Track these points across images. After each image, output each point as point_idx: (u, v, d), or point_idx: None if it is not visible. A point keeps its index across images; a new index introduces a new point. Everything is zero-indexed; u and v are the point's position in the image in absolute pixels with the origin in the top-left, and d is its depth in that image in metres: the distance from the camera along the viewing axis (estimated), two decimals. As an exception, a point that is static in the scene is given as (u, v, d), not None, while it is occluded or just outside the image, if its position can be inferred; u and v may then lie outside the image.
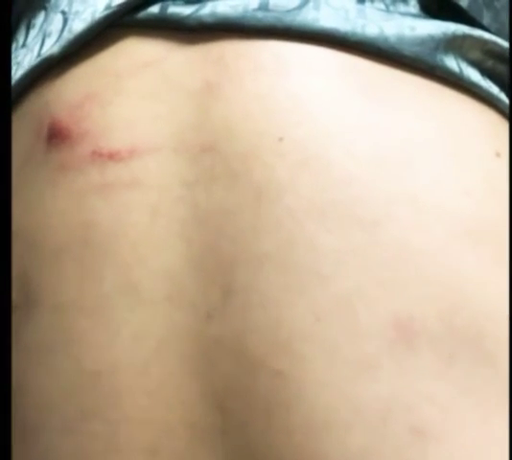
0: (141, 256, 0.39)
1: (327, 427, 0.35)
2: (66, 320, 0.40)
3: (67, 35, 0.44)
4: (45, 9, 0.48)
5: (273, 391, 0.36)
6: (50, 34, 0.46)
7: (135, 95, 0.42)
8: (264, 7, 0.42)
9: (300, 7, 0.42)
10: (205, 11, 0.42)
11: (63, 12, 0.46)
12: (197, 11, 0.42)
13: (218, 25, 0.42)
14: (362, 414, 0.36)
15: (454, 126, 0.43)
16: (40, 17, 0.48)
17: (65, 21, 0.45)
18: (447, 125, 0.42)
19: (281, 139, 0.39)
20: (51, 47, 0.44)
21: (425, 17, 0.45)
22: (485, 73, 0.46)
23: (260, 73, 0.41)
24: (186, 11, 0.43)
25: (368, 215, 0.38)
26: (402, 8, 0.45)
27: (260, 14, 0.42)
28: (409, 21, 0.44)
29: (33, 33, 0.47)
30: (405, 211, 0.39)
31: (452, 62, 0.44)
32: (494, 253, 0.40)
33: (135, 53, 0.43)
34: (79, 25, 0.44)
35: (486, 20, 0.48)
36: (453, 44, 0.44)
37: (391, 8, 0.44)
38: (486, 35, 0.46)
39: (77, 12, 0.45)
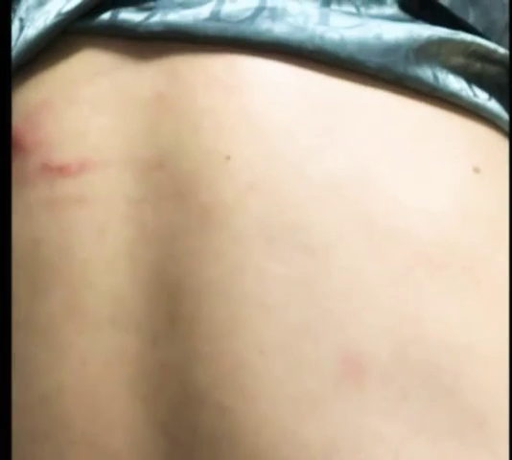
0: (88, 276, 0.38)
1: None
2: (17, 339, 0.39)
3: (21, 44, 0.42)
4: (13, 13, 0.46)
5: (217, 423, 0.35)
6: None
7: (87, 105, 0.41)
8: (215, 16, 0.40)
9: (253, 16, 0.40)
10: (155, 19, 0.40)
11: (21, 20, 0.44)
12: (146, 19, 0.40)
13: (167, 33, 0.40)
14: (305, 453, 0.34)
15: (424, 142, 0.40)
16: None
17: (21, 29, 0.44)
18: (415, 140, 0.40)
19: (228, 158, 0.37)
20: None
21: (401, 19, 0.42)
22: (474, 78, 0.43)
23: (212, 86, 0.39)
24: (136, 18, 0.41)
25: (319, 241, 0.36)
26: (375, 9, 0.42)
27: (210, 24, 0.39)
28: (377, 27, 0.40)
29: None
30: (358, 237, 0.37)
31: (425, 71, 0.41)
32: (457, 281, 0.37)
33: (88, 61, 0.41)
34: (32, 33, 0.42)
35: (472, 18, 0.44)
36: (427, 52, 0.41)
37: (362, 9, 0.42)
38: (468, 38, 0.43)
39: (32, 20, 0.43)
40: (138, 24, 0.40)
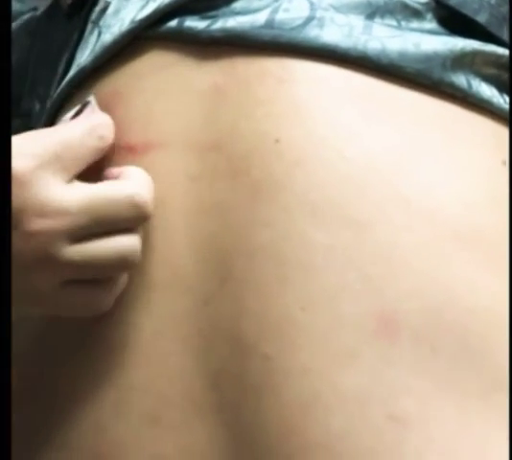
0: (149, 242, 0.43)
1: (310, 410, 0.38)
2: None
3: (98, 48, 0.48)
4: (91, 23, 0.52)
5: (263, 374, 0.39)
6: (87, 46, 0.50)
7: (151, 94, 0.46)
8: (269, 24, 0.45)
9: (304, 24, 0.45)
10: (216, 26, 0.45)
11: (98, 27, 0.50)
12: (209, 26, 0.46)
13: (226, 38, 0.45)
14: (342, 399, 0.37)
15: (457, 137, 0.44)
16: (87, 31, 0.52)
17: (99, 34, 0.50)
18: (448, 135, 0.44)
19: (277, 140, 0.42)
20: (86, 58, 0.49)
21: (439, 33, 0.47)
22: (505, 87, 0.47)
23: (265, 79, 0.44)
24: (200, 25, 0.46)
25: (358, 214, 0.40)
26: (415, 24, 0.46)
27: (265, 31, 0.44)
28: (416, 37, 0.45)
29: (83, 42, 0.52)
30: (395, 212, 0.41)
31: (460, 79, 0.45)
32: (485, 259, 0.41)
33: (154, 59, 0.47)
34: (108, 38, 0.48)
35: (505, 35, 0.49)
36: (462, 60, 0.45)
37: (403, 23, 0.46)
38: (500, 50, 0.47)
39: (108, 26, 0.49)
40: (201, 30, 0.46)
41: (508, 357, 0.39)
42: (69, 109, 0.47)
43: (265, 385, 0.39)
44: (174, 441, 0.40)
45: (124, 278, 0.42)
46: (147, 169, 0.43)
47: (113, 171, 0.43)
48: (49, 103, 0.51)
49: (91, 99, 0.45)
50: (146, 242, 0.43)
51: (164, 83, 0.46)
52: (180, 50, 0.46)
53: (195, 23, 0.46)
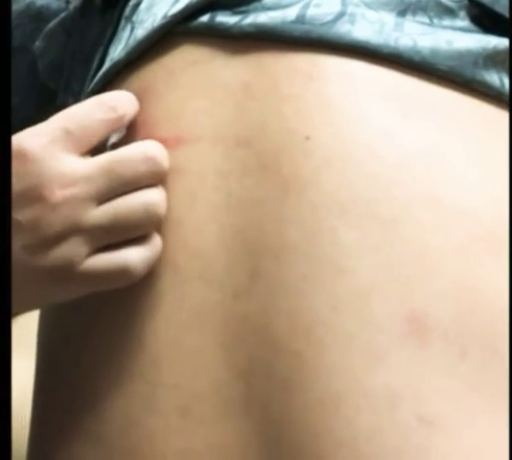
0: (180, 236, 0.43)
1: (338, 408, 0.37)
2: (115, 297, 0.44)
3: (131, 43, 0.49)
4: (125, 18, 0.53)
5: (291, 371, 0.39)
6: (120, 41, 0.50)
7: (183, 90, 0.46)
8: (300, 19, 0.44)
9: (335, 20, 0.44)
10: (247, 21, 0.45)
11: (131, 22, 0.51)
12: (240, 20, 0.45)
13: (257, 33, 0.45)
14: (371, 399, 0.37)
15: (488, 136, 0.43)
16: (120, 27, 0.53)
17: (132, 30, 0.50)
18: (479, 133, 0.43)
19: (308, 138, 0.42)
20: (119, 53, 0.49)
21: (472, 31, 0.46)
22: None
23: (294, 75, 0.43)
24: (231, 20, 0.46)
25: (388, 213, 0.40)
26: (447, 21, 0.46)
27: (295, 26, 0.44)
28: (448, 35, 0.45)
29: (116, 38, 0.53)
30: (425, 211, 0.40)
31: (492, 77, 0.44)
32: None
33: (186, 55, 0.47)
34: (141, 33, 0.48)
35: None
36: (494, 59, 0.45)
37: (435, 21, 0.46)
38: None
39: (141, 21, 0.49)
40: (232, 25, 0.45)
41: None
42: None
43: (293, 382, 0.39)
44: (202, 436, 0.40)
45: (156, 242, 0.42)
46: (177, 163, 0.43)
47: None
48: (83, 98, 0.51)
49: None
50: (177, 235, 0.43)
51: (195, 79, 0.46)
52: (211, 45, 0.46)
53: (226, 18, 0.46)
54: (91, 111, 0.42)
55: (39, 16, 0.60)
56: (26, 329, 0.63)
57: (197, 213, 0.43)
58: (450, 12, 0.46)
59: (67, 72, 0.56)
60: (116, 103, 0.43)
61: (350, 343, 0.38)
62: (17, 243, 0.39)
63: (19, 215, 0.39)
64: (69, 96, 0.55)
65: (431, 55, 0.44)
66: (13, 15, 0.62)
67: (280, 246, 0.40)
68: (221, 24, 0.46)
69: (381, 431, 0.37)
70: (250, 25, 0.45)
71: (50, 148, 0.40)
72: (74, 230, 0.39)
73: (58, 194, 0.39)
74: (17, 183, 0.40)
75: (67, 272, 0.40)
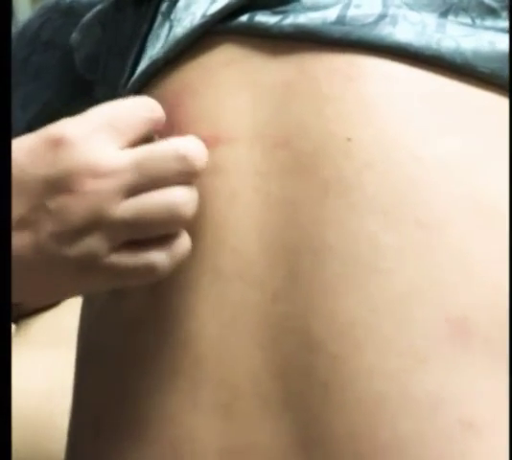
0: (220, 237, 0.43)
1: (378, 411, 0.37)
2: (157, 295, 0.44)
3: (170, 41, 0.48)
4: (162, 15, 0.52)
5: (330, 372, 0.39)
6: (158, 39, 0.50)
7: (222, 89, 0.46)
8: (341, 20, 0.44)
9: (376, 22, 0.44)
10: (287, 21, 0.45)
11: (170, 20, 0.50)
12: (280, 21, 0.45)
13: (297, 34, 0.45)
14: (411, 402, 0.37)
15: None
16: (157, 23, 0.52)
17: (170, 28, 0.50)
18: None
19: (349, 139, 0.42)
20: (157, 51, 0.49)
21: None
22: None
23: (334, 76, 0.43)
24: (271, 20, 0.46)
25: (430, 217, 0.40)
26: (489, 21, 0.45)
27: (336, 27, 0.44)
28: (491, 36, 0.44)
29: (152, 34, 0.52)
30: (467, 216, 0.40)
31: None
32: None
33: (225, 54, 0.47)
34: (180, 31, 0.48)
35: None
36: None
37: (478, 21, 0.45)
38: None
39: (180, 20, 0.49)
40: (272, 25, 0.45)
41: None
42: None
43: (331, 383, 0.39)
44: (243, 435, 0.40)
45: (184, 240, 0.42)
46: (216, 162, 0.43)
47: None
48: (120, 91, 0.51)
49: None
50: (216, 235, 0.43)
51: (234, 78, 0.46)
52: (250, 45, 0.46)
53: (265, 18, 0.46)
54: (134, 109, 0.42)
55: (70, 11, 0.60)
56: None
57: (237, 213, 0.43)
58: (492, 13, 0.46)
59: (103, 64, 0.56)
60: (155, 106, 0.43)
61: (389, 345, 0.38)
62: (45, 230, 0.39)
63: (50, 202, 0.39)
64: (106, 88, 0.55)
65: (473, 56, 0.43)
66: (43, 10, 0.62)
67: (318, 248, 0.40)
68: (261, 24, 0.46)
69: (422, 435, 0.37)
70: (290, 25, 0.45)
71: (90, 137, 0.40)
72: (98, 222, 0.39)
73: (89, 184, 0.39)
74: (51, 169, 0.39)
75: (91, 264, 0.40)
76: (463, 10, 0.45)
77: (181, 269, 0.42)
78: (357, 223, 0.40)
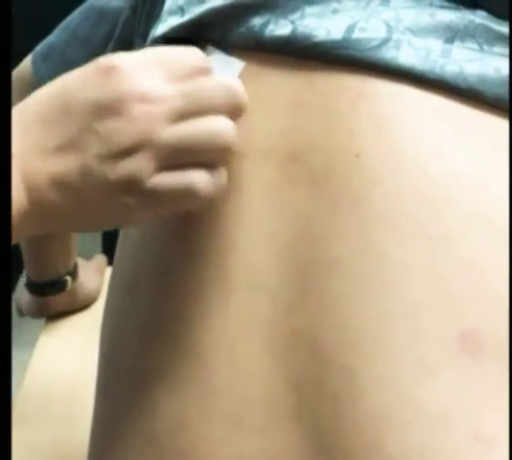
0: (232, 247, 0.44)
1: (389, 422, 0.38)
2: (168, 303, 0.45)
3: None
4: None
5: (342, 383, 0.39)
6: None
7: None
8: (345, 42, 0.45)
9: (380, 45, 0.45)
10: (295, 38, 0.46)
11: (181, 9, 0.51)
12: (289, 37, 0.46)
13: (304, 52, 0.46)
14: (423, 414, 0.37)
15: None
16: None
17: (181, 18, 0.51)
18: None
19: (358, 155, 0.42)
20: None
21: None
22: None
23: (345, 92, 0.44)
24: (281, 33, 0.46)
25: (439, 232, 0.40)
26: (497, 48, 0.46)
27: (340, 49, 0.45)
28: (497, 62, 0.45)
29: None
30: (476, 231, 0.41)
31: None
32: None
33: None
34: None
35: None
36: None
37: (485, 47, 0.45)
38: None
39: (191, 13, 0.50)
40: (282, 43, 0.46)
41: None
42: None
43: (343, 395, 0.39)
44: (254, 444, 0.40)
45: (223, 172, 0.43)
46: (229, 175, 0.44)
47: None
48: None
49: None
50: (227, 245, 0.44)
51: (247, 95, 0.46)
52: (261, 62, 0.47)
53: (275, 32, 0.47)
54: (183, 54, 0.43)
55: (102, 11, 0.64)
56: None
57: (248, 225, 0.44)
58: (501, 39, 0.46)
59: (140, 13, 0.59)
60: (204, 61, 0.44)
61: (400, 358, 0.38)
62: (92, 152, 0.40)
63: (98, 124, 0.40)
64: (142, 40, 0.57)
65: (478, 81, 0.44)
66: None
67: (329, 261, 0.41)
68: (270, 39, 0.47)
69: (434, 448, 0.37)
70: (297, 42, 0.46)
71: (142, 68, 0.41)
72: (144, 145, 0.40)
73: (139, 108, 0.40)
74: (101, 94, 0.40)
75: (134, 186, 0.40)
76: (470, 36, 0.46)
77: (191, 276, 0.43)
78: (364, 237, 0.41)
